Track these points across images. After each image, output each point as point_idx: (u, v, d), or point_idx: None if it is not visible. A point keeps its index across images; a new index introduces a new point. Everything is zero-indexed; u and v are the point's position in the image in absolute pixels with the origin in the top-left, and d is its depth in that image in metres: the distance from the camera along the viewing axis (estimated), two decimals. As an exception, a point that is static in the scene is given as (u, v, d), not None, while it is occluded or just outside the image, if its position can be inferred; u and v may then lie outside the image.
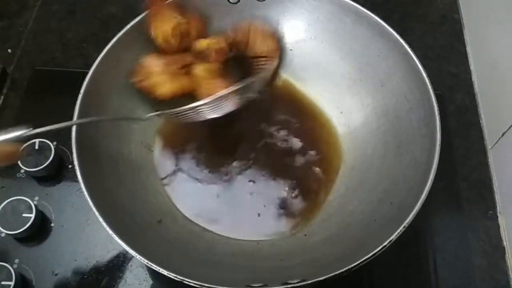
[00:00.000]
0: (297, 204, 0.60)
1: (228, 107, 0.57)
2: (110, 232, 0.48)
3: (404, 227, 0.49)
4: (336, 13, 0.64)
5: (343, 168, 0.62)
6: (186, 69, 0.60)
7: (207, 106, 0.55)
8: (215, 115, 0.57)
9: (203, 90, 0.58)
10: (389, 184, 0.57)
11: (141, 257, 0.47)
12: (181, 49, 0.60)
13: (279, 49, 0.63)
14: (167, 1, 0.61)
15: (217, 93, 0.54)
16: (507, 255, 0.64)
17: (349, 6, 0.63)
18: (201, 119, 0.57)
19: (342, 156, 0.63)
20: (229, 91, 0.55)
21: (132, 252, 0.47)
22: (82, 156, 0.53)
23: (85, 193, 0.51)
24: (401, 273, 0.63)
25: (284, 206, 0.60)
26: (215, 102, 0.55)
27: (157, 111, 0.58)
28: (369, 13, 0.62)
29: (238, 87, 0.55)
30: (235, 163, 0.63)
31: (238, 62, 0.62)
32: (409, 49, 0.59)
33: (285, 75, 0.68)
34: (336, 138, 0.65)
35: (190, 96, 0.60)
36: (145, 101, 0.61)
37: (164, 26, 0.60)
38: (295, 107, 0.67)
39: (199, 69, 0.59)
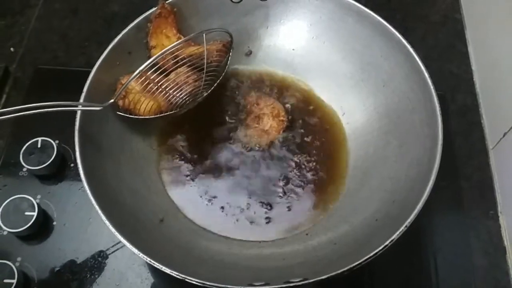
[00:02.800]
0: (299, 203, 0.61)
1: (190, 88, 0.58)
2: (113, 230, 0.49)
3: (406, 226, 0.49)
4: (338, 13, 0.64)
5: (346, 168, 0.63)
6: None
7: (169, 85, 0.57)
8: (180, 100, 0.58)
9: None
10: (391, 183, 0.57)
11: (143, 255, 0.47)
12: (172, 66, 0.60)
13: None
14: (171, 18, 0.62)
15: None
16: (508, 255, 0.64)
17: (351, 6, 0.63)
18: (172, 108, 0.58)
19: (347, 157, 0.63)
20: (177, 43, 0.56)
21: (134, 250, 0.48)
22: (84, 155, 0.54)
23: (88, 191, 0.51)
24: (401, 273, 0.63)
25: (286, 206, 0.60)
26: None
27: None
28: (371, 13, 0.62)
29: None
30: (238, 163, 0.63)
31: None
32: (411, 50, 0.59)
33: (287, 74, 0.69)
34: (343, 139, 0.65)
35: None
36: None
37: (164, 42, 0.61)
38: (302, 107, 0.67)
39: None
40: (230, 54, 0.62)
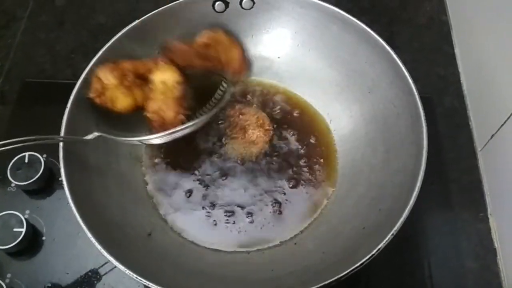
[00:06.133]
0: (289, 212, 0.60)
1: (177, 135, 0.56)
2: (99, 247, 0.49)
3: (392, 235, 0.49)
4: (323, 21, 0.64)
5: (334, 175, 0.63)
6: (140, 80, 0.58)
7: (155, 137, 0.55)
8: (161, 141, 0.57)
9: (152, 104, 0.56)
10: (378, 190, 0.57)
11: (130, 272, 0.47)
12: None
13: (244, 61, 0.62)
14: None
15: (166, 131, 0.55)
16: (498, 257, 0.64)
17: (335, 14, 0.63)
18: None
19: (335, 164, 0.63)
20: (178, 128, 0.55)
21: (121, 267, 0.47)
22: (70, 170, 0.53)
23: (73, 207, 0.51)
24: (394, 278, 0.63)
25: (275, 215, 0.60)
26: (163, 136, 0.55)
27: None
28: (355, 20, 0.62)
29: (186, 125, 0.55)
30: (225, 174, 0.63)
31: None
32: (395, 56, 0.59)
33: (273, 82, 0.69)
34: (331, 146, 0.65)
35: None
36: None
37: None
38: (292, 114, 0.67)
39: (157, 78, 0.57)
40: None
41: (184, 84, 0.57)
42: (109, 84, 0.56)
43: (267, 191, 0.62)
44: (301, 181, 0.62)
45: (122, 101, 0.56)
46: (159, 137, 0.55)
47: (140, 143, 0.57)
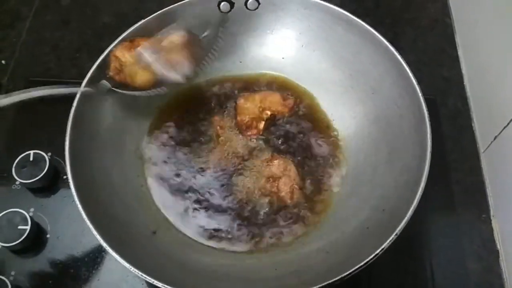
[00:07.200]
0: (292, 213, 0.60)
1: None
2: (104, 244, 0.49)
3: (396, 234, 0.49)
4: (327, 21, 0.65)
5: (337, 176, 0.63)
6: None
7: None
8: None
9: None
10: (381, 191, 0.57)
11: (134, 269, 0.47)
12: None
13: None
14: None
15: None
16: (501, 258, 0.64)
17: (339, 15, 0.63)
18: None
19: (338, 165, 0.63)
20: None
21: (125, 264, 0.48)
22: (75, 169, 0.54)
23: (78, 205, 0.51)
24: (396, 279, 0.63)
25: (279, 215, 0.60)
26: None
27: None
28: (359, 21, 0.62)
29: None
30: (230, 174, 0.63)
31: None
32: (399, 56, 0.59)
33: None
34: (334, 146, 0.65)
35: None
36: (138, 113, 0.61)
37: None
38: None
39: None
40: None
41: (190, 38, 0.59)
42: (126, 62, 0.57)
43: (271, 190, 0.62)
44: (305, 182, 0.62)
45: (141, 76, 0.57)
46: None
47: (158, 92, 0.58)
